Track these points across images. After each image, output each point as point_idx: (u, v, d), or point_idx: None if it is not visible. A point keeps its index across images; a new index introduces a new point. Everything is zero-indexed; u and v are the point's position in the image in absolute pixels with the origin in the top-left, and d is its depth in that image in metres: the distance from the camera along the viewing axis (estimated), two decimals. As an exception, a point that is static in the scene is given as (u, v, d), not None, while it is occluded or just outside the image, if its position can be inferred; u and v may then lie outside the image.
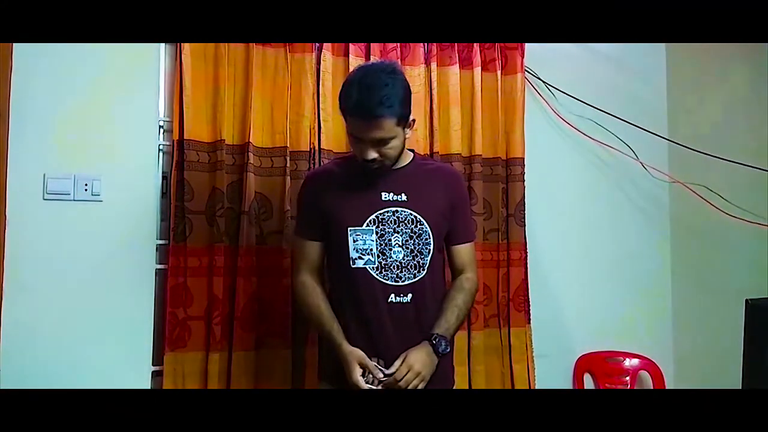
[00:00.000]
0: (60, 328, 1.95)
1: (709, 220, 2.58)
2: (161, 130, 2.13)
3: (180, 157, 2.06)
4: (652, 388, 2.60)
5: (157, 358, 2.05)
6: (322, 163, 2.17)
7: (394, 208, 1.68)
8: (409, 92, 1.64)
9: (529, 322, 2.49)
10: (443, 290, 1.76)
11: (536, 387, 2.45)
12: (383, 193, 1.68)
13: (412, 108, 1.67)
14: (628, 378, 2.61)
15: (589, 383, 2.62)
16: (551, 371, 2.53)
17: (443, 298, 1.73)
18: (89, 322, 1.98)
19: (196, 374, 2.03)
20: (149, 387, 2.04)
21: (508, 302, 2.45)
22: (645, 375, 2.62)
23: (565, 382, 2.61)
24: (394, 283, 1.66)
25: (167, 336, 2.02)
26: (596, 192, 2.72)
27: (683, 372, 2.70)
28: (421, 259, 1.68)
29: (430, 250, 1.69)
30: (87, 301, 1.98)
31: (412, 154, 1.77)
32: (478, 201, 2.39)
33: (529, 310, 2.49)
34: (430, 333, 1.64)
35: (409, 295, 1.67)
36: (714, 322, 2.58)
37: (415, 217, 1.68)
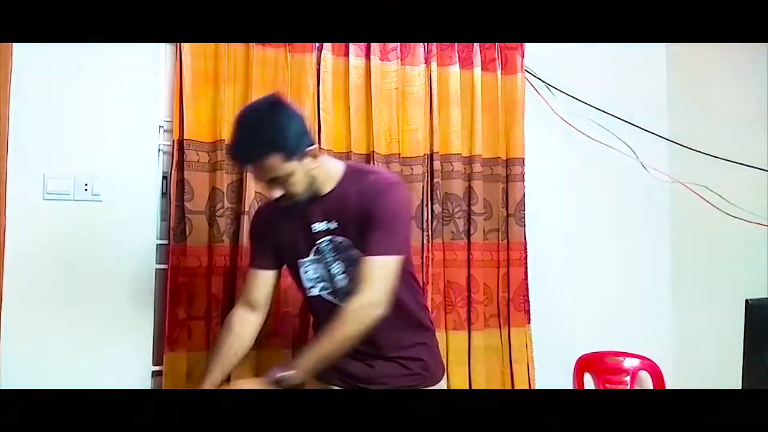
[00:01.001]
0: (60, 328, 1.95)
1: (709, 220, 2.58)
2: (161, 130, 2.13)
3: (180, 157, 2.06)
4: (652, 388, 2.60)
5: (157, 358, 2.05)
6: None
7: (329, 237, 1.63)
8: (295, 123, 1.54)
9: (529, 322, 2.49)
10: (405, 304, 1.68)
11: (536, 387, 2.45)
12: (314, 224, 1.63)
13: (307, 136, 1.56)
14: (628, 378, 2.61)
15: (589, 383, 2.62)
16: (551, 371, 2.53)
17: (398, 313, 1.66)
18: (89, 322, 1.98)
19: (196, 374, 2.03)
20: (149, 387, 2.04)
21: (508, 302, 2.45)
22: (645, 375, 2.62)
23: (565, 382, 2.61)
24: None
25: (167, 336, 2.02)
26: (596, 192, 2.72)
27: (683, 372, 2.70)
28: None
29: None
30: (87, 301, 1.98)
31: (340, 173, 1.65)
32: (478, 201, 2.39)
33: (529, 310, 2.49)
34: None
35: None
36: (714, 322, 2.58)
37: (348, 243, 1.61)
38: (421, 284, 1.78)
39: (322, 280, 1.67)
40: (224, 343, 1.71)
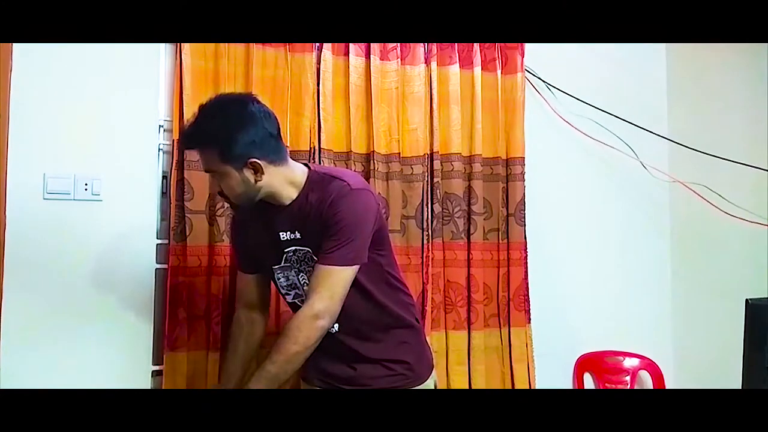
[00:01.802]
0: (60, 328, 1.95)
1: (709, 220, 2.58)
2: (161, 130, 2.13)
3: (180, 156, 2.05)
4: (652, 388, 2.60)
5: (157, 358, 2.05)
6: (322, 163, 2.17)
7: (294, 247, 1.62)
8: (249, 130, 1.49)
9: (530, 322, 2.49)
10: (385, 305, 1.67)
11: (536, 387, 2.45)
12: (281, 233, 1.62)
13: (258, 147, 1.51)
14: (628, 378, 2.61)
15: (589, 383, 2.62)
16: (551, 371, 2.53)
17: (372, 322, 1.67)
18: (89, 321, 1.98)
19: (196, 374, 2.03)
20: (149, 387, 2.04)
21: (508, 302, 2.44)
22: (645, 375, 2.63)
23: (565, 382, 2.61)
24: None
25: (167, 336, 2.02)
26: (596, 191, 2.72)
27: (683, 372, 2.71)
28: None
29: None
30: (87, 301, 1.98)
31: (303, 180, 1.61)
32: (478, 201, 2.39)
33: (530, 309, 2.49)
34: None
35: (336, 326, 1.63)
36: (714, 322, 2.58)
37: (312, 254, 1.59)
38: (405, 282, 1.77)
39: (294, 288, 1.67)
40: (239, 342, 1.75)
